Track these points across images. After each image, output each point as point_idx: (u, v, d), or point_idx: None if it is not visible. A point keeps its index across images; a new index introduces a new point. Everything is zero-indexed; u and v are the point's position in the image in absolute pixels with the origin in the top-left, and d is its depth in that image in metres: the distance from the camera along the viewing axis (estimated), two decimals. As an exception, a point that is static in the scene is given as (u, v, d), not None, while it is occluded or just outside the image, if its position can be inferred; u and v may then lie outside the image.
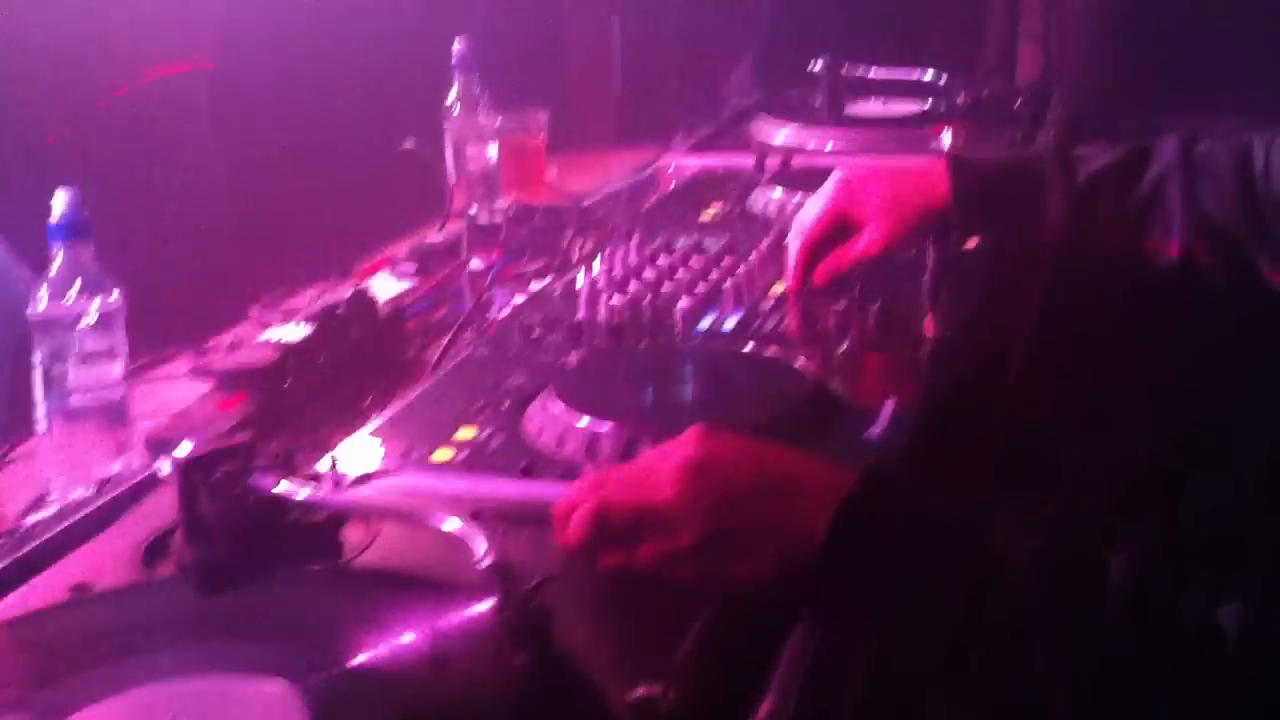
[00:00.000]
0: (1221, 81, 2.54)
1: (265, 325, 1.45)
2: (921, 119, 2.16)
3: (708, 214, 1.76)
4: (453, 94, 2.13)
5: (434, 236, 1.86)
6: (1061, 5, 2.68)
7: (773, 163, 1.96)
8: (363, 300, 1.47)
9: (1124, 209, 1.32)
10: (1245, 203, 1.29)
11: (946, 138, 2.03)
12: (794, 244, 1.38)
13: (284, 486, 0.87)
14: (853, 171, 1.37)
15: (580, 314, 1.33)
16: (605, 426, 1.01)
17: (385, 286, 1.72)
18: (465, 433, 1.06)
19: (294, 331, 1.37)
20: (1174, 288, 1.35)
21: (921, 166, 1.36)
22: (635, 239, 1.59)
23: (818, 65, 2.36)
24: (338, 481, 0.94)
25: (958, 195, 1.32)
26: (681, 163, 2.06)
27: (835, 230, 1.36)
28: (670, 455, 0.82)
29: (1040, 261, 1.40)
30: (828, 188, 1.37)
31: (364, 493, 0.95)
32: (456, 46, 2.11)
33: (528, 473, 0.98)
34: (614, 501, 0.81)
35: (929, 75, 2.32)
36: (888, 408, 1.06)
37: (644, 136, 2.71)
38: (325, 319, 1.39)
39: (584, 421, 1.02)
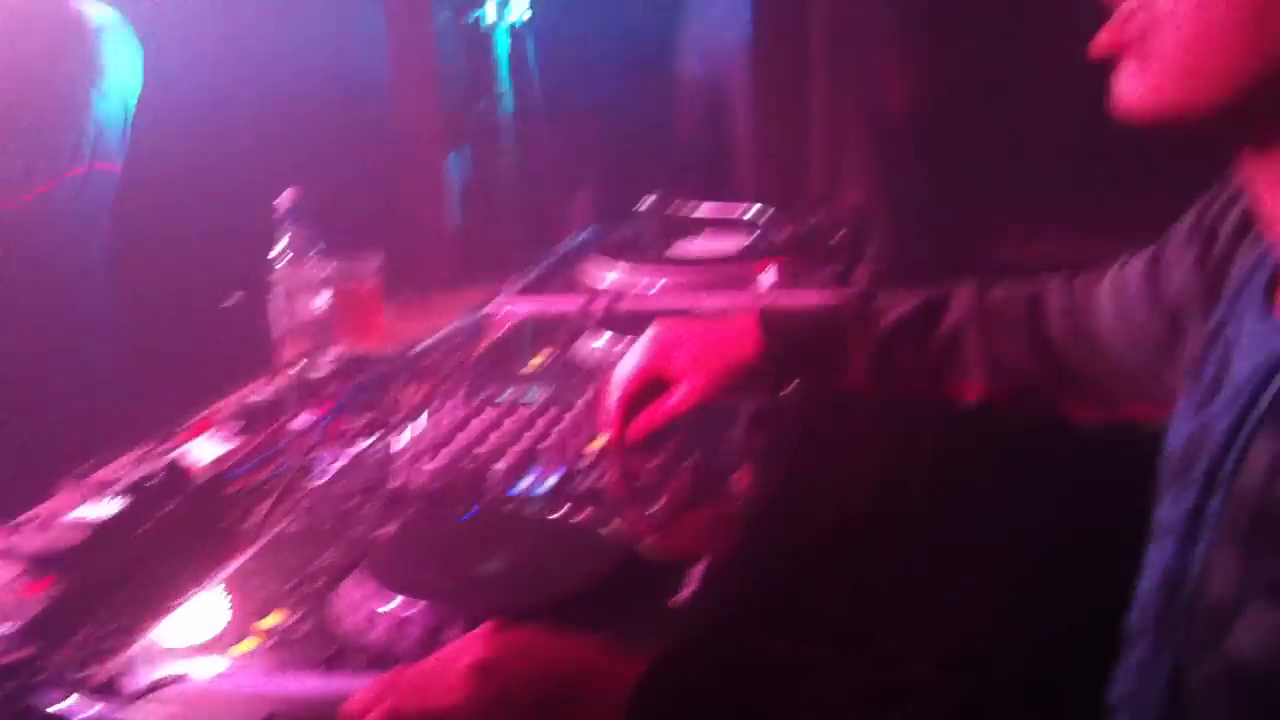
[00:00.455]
0: (1037, 203, 2.65)
1: (78, 499, 1.42)
2: (745, 256, 2.21)
3: (534, 362, 1.77)
4: (280, 245, 2.12)
5: (260, 393, 1.84)
6: (881, 134, 2.78)
7: (599, 306, 1.99)
8: (177, 470, 1.45)
9: (923, 356, 1.36)
10: (1038, 346, 1.34)
11: (767, 276, 2.08)
12: (611, 399, 1.39)
13: (70, 703, 0.84)
14: (667, 327, 1.40)
15: (397, 481, 1.33)
16: (411, 610, 1.00)
17: (207, 449, 1.70)
18: (273, 619, 1.05)
19: (106, 507, 1.34)
20: (978, 430, 1.39)
21: (733, 321, 1.39)
22: (459, 394, 1.60)
23: (646, 203, 2.42)
24: (129, 691, 0.91)
25: (767, 350, 1.35)
26: (511, 307, 2.08)
27: (651, 385, 1.37)
28: (460, 655, 0.82)
29: (850, 411, 1.43)
30: (642, 343, 1.39)
31: (151, 709, 0.92)
32: (284, 196, 2.11)
33: (332, 664, 0.97)
34: (402, 709, 0.80)
35: (753, 211, 2.38)
36: (696, 571, 1.07)
37: (482, 275, 2.74)
38: (138, 492, 1.37)
39: (391, 605, 1.01)
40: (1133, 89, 0.88)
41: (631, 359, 1.39)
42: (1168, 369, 1.15)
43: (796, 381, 1.41)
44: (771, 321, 1.38)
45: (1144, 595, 1.04)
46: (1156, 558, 1.02)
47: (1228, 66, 0.83)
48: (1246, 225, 1.01)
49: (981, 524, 2.15)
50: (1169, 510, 1.01)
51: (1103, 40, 0.88)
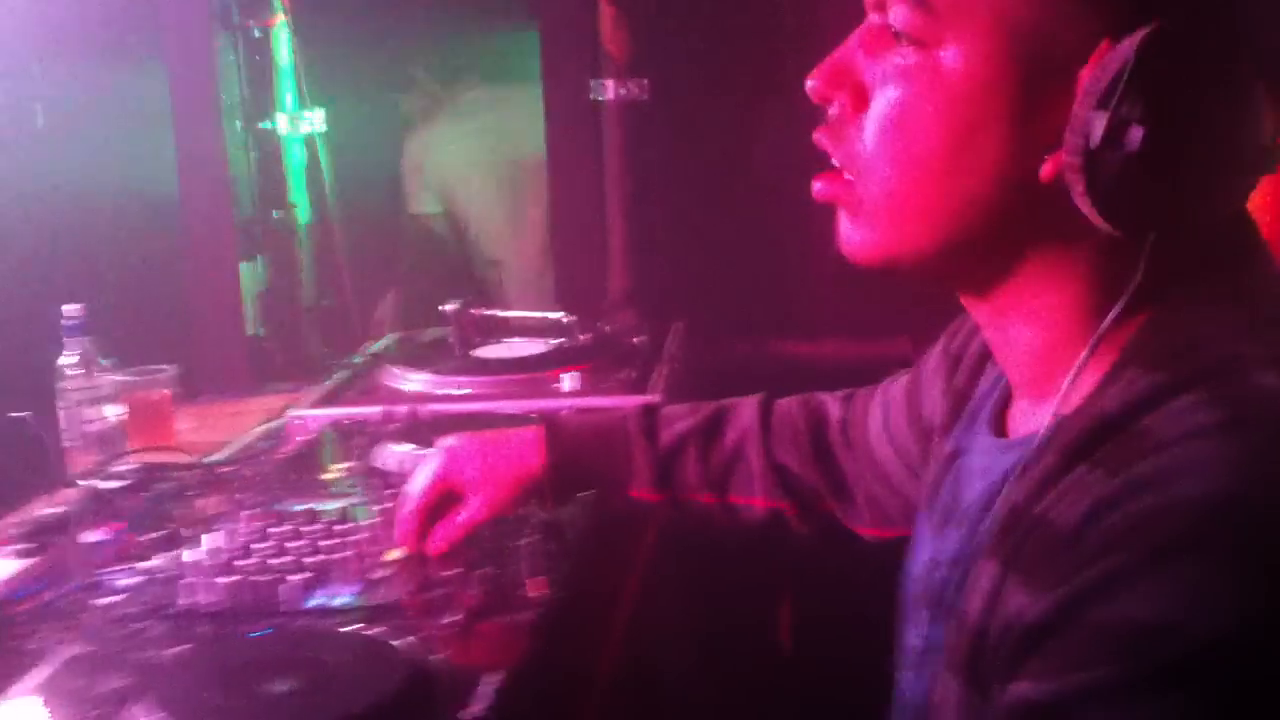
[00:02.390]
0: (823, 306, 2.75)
1: None
2: (545, 361, 2.25)
3: (331, 472, 1.77)
4: (65, 358, 2.09)
5: (45, 509, 1.80)
6: (673, 238, 2.86)
7: (399, 414, 2.00)
8: (-40, 592, 1.41)
9: (708, 468, 1.40)
10: (820, 458, 1.39)
11: (567, 380, 2.12)
12: (403, 512, 1.41)
13: None
14: (454, 441, 1.42)
15: (189, 598, 1.31)
16: (196, 735, 1.00)
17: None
18: (53, 750, 1.03)
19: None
20: (765, 540, 1.43)
21: (519, 434, 1.42)
22: (254, 505, 1.59)
23: (450, 306, 2.44)
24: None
25: (550, 463, 1.38)
26: (309, 415, 2.07)
27: (444, 497, 1.40)
28: None
29: (638, 524, 1.47)
30: (432, 457, 1.42)
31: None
32: (68, 310, 2.07)
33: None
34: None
35: (554, 317, 2.42)
36: (481, 687, 1.09)
37: (280, 384, 2.72)
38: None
39: (175, 730, 1.00)
40: (850, 239, 0.93)
41: (422, 474, 1.41)
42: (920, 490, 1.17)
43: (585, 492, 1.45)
44: (556, 433, 1.41)
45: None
46: (900, 687, 1.05)
47: (926, 216, 0.88)
48: (987, 351, 1.05)
49: (759, 635, 2.21)
50: (909, 638, 1.04)
51: (819, 192, 0.94)
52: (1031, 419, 0.93)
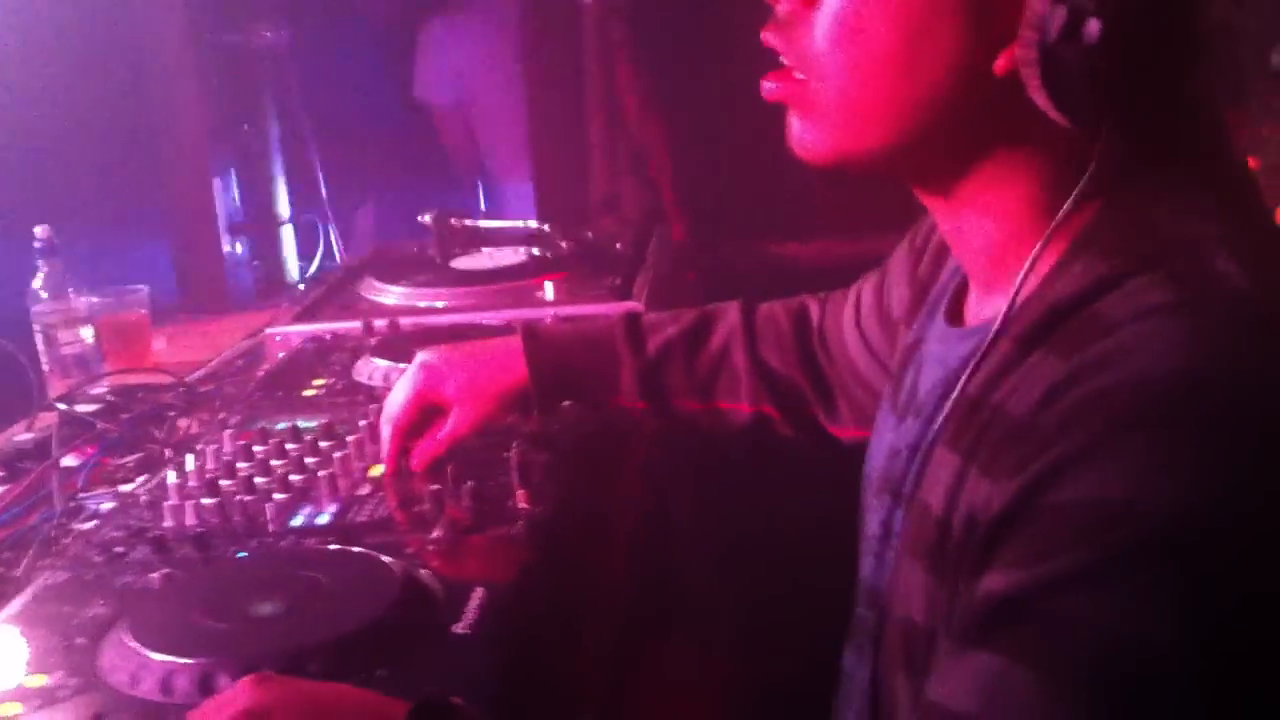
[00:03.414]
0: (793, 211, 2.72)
1: None
2: (525, 271, 2.21)
3: (311, 389, 1.74)
4: (38, 280, 2.05)
5: (23, 434, 1.77)
6: (658, 142, 2.81)
7: (380, 328, 1.97)
8: (-62, 519, 1.39)
9: (693, 373, 1.38)
10: (804, 360, 1.38)
11: (549, 289, 2.09)
12: (385, 430, 1.38)
13: None
14: (433, 355, 1.39)
15: (169, 521, 1.29)
16: (183, 660, 0.97)
17: (-32, 496, 1.62)
18: (36, 680, 1.00)
19: None
20: (752, 442, 1.41)
21: (500, 344, 1.39)
22: (234, 424, 1.56)
23: (428, 217, 2.40)
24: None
25: (533, 373, 1.35)
26: (288, 331, 2.04)
27: (424, 413, 1.37)
28: (224, 707, 0.81)
29: (625, 427, 1.44)
30: (410, 373, 1.38)
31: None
32: (38, 232, 2.03)
33: (100, 720, 0.94)
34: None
35: (532, 226, 2.38)
36: (475, 599, 1.07)
37: (259, 296, 2.68)
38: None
39: (161, 655, 0.98)
40: (802, 139, 0.92)
41: (400, 390, 1.38)
42: None
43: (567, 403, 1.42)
44: (537, 343, 1.38)
45: (856, 608, 1.07)
46: (862, 571, 1.05)
47: (881, 113, 0.87)
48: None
49: (744, 533, 2.21)
50: (869, 525, 1.04)
51: (770, 92, 0.92)
52: (987, 307, 0.93)
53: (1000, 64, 0.82)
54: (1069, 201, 0.83)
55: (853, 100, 0.87)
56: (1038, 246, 0.84)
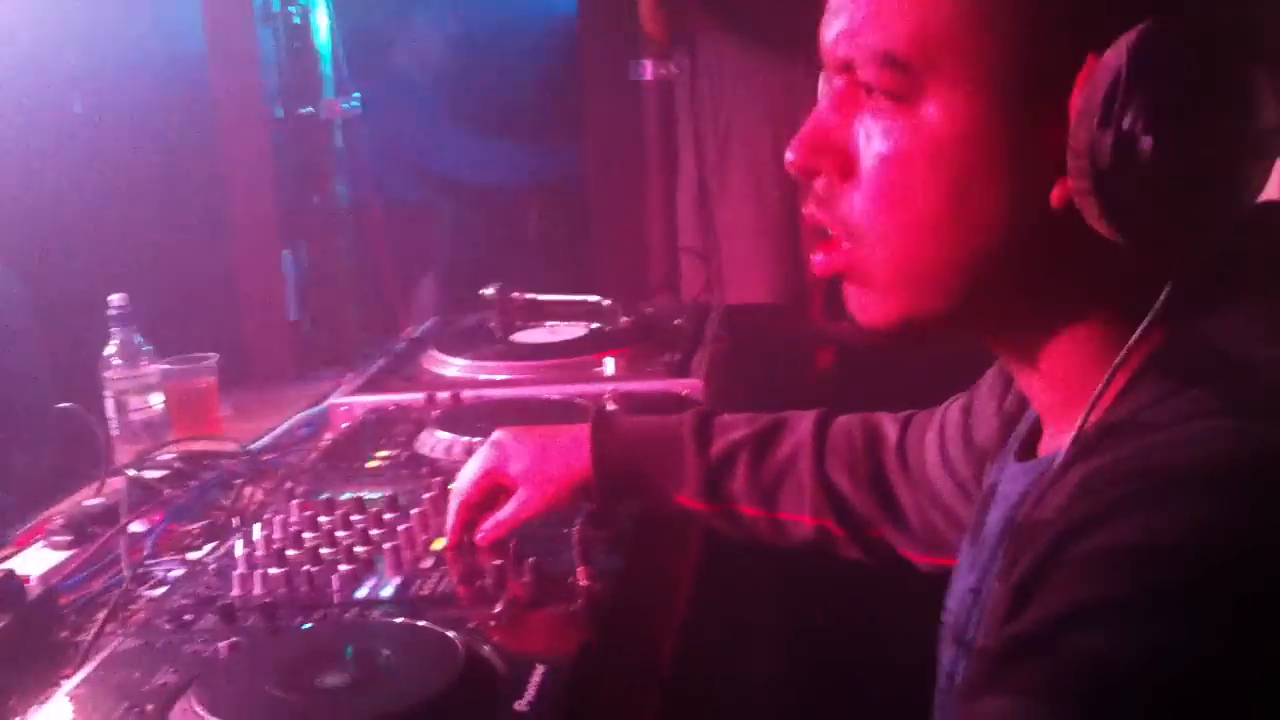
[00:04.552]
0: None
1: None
2: (585, 346, 2.24)
3: (375, 460, 1.76)
4: (110, 347, 2.09)
5: (92, 499, 1.80)
6: (716, 219, 2.84)
7: (441, 400, 1.99)
8: (11, 583, 1.41)
9: (758, 480, 1.35)
10: (875, 481, 1.33)
11: (608, 365, 2.11)
12: (452, 505, 1.40)
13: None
14: (505, 436, 1.41)
15: (236, 590, 1.31)
16: (250, 729, 0.99)
17: (39, 559, 1.65)
18: (105, 744, 1.03)
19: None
20: (819, 553, 1.38)
21: (569, 433, 1.39)
22: (299, 494, 1.58)
23: (490, 290, 2.43)
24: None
25: (597, 468, 1.35)
26: (351, 401, 2.07)
27: (492, 492, 1.39)
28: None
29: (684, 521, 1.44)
30: (481, 453, 1.41)
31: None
32: (113, 300, 2.08)
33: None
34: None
35: (593, 301, 2.40)
36: (536, 676, 1.08)
37: (322, 370, 2.72)
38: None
39: (228, 725, 1.00)
40: (861, 310, 0.89)
41: (471, 466, 1.41)
42: None
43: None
44: (605, 435, 1.37)
45: None
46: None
47: (937, 273, 0.84)
48: None
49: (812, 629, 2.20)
50: (941, 673, 0.99)
51: (819, 264, 0.90)
52: (1054, 444, 0.90)
53: (1055, 197, 0.79)
54: (1137, 331, 0.80)
55: (906, 266, 0.85)
56: (1106, 380, 0.81)
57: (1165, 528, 0.66)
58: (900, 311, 0.87)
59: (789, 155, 0.88)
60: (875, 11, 0.82)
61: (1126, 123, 0.74)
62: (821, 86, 0.89)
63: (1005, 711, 0.66)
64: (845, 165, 0.86)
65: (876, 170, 0.83)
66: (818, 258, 0.89)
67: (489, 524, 1.38)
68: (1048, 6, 0.78)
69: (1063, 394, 0.88)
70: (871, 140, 0.84)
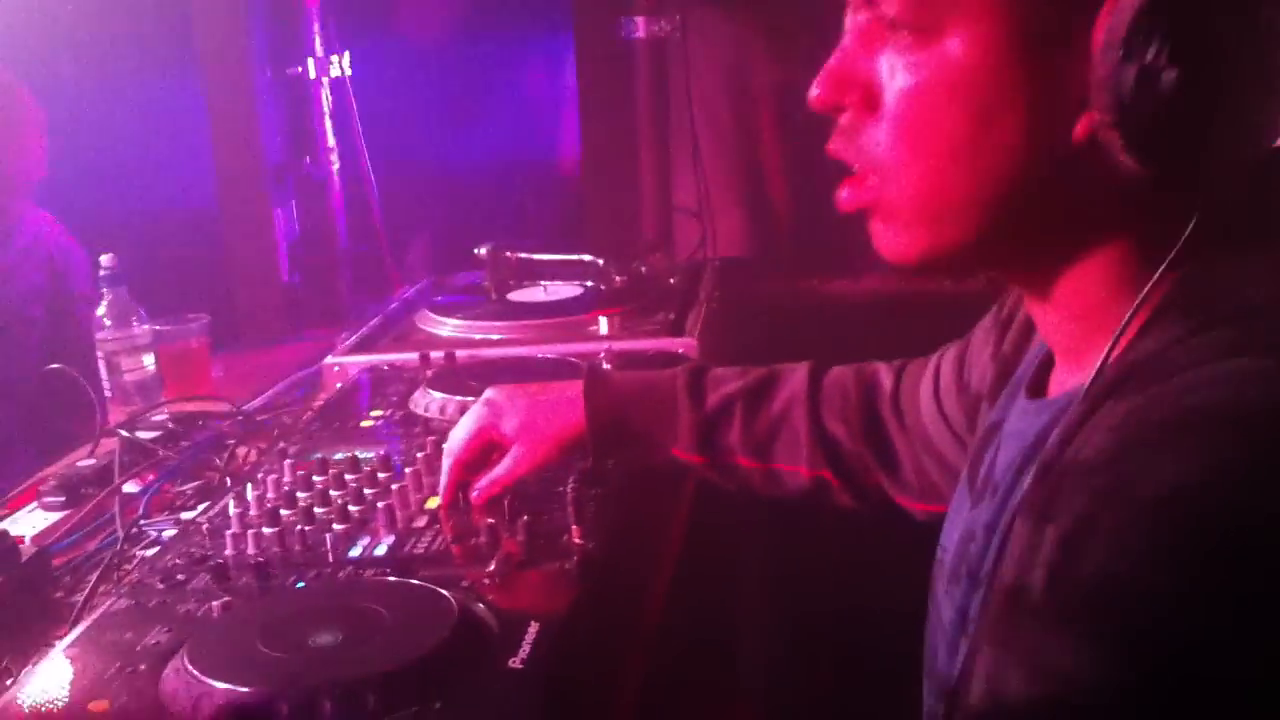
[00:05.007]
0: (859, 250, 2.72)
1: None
2: (579, 305, 2.23)
3: (368, 420, 1.76)
4: (102, 307, 2.08)
5: (85, 460, 1.80)
6: (708, 178, 2.82)
7: (436, 359, 1.99)
8: (4, 543, 1.41)
9: (752, 432, 1.36)
10: (869, 429, 1.35)
11: (603, 324, 2.10)
12: (445, 464, 1.40)
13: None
14: (497, 395, 1.41)
15: (227, 551, 1.31)
16: (239, 692, 0.99)
17: (33, 521, 1.65)
18: (97, 704, 1.02)
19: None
20: (814, 502, 1.39)
21: (562, 390, 1.40)
22: (292, 454, 1.58)
23: (483, 250, 2.42)
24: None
25: (591, 423, 1.36)
26: (345, 362, 2.06)
27: (485, 450, 1.40)
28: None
29: (681, 471, 1.44)
30: (474, 411, 1.41)
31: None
32: (103, 260, 2.07)
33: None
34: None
35: (587, 260, 2.40)
36: (530, 633, 1.08)
37: (315, 330, 2.71)
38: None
39: (219, 685, 1.00)
40: (885, 244, 0.89)
41: (464, 425, 1.41)
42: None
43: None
44: (598, 390, 1.38)
45: (926, 696, 1.03)
46: (933, 662, 1.02)
47: (961, 208, 0.85)
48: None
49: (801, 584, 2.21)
50: (943, 611, 1.00)
51: (844, 200, 0.90)
52: (1071, 379, 0.90)
53: (1078, 132, 0.80)
54: (1162, 267, 0.80)
55: (930, 198, 0.85)
56: (1128, 315, 0.81)
57: (1201, 477, 0.66)
58: (924, 245, 0.87)
59: (813, 90, 0.88)
60: None
61: (1150, 55, 0.74)
62: (846, 21, 0.89)
63: (1070, 654, 0.67)
64: (870, 99, 0.86)
65: (900, 103, 0.84)
66: (842, 194, 0.90)
67: (484, 481, 1.38)
68: None
69: (1082, 327, 0.88)
70: (895, 74, 0.84)
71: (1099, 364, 0.81)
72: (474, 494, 1.38)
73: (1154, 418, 0.71)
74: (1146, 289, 0.80)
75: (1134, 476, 0.69)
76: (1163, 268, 0.80)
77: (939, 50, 0.82)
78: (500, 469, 1.38)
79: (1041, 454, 0.82)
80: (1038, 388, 0.97)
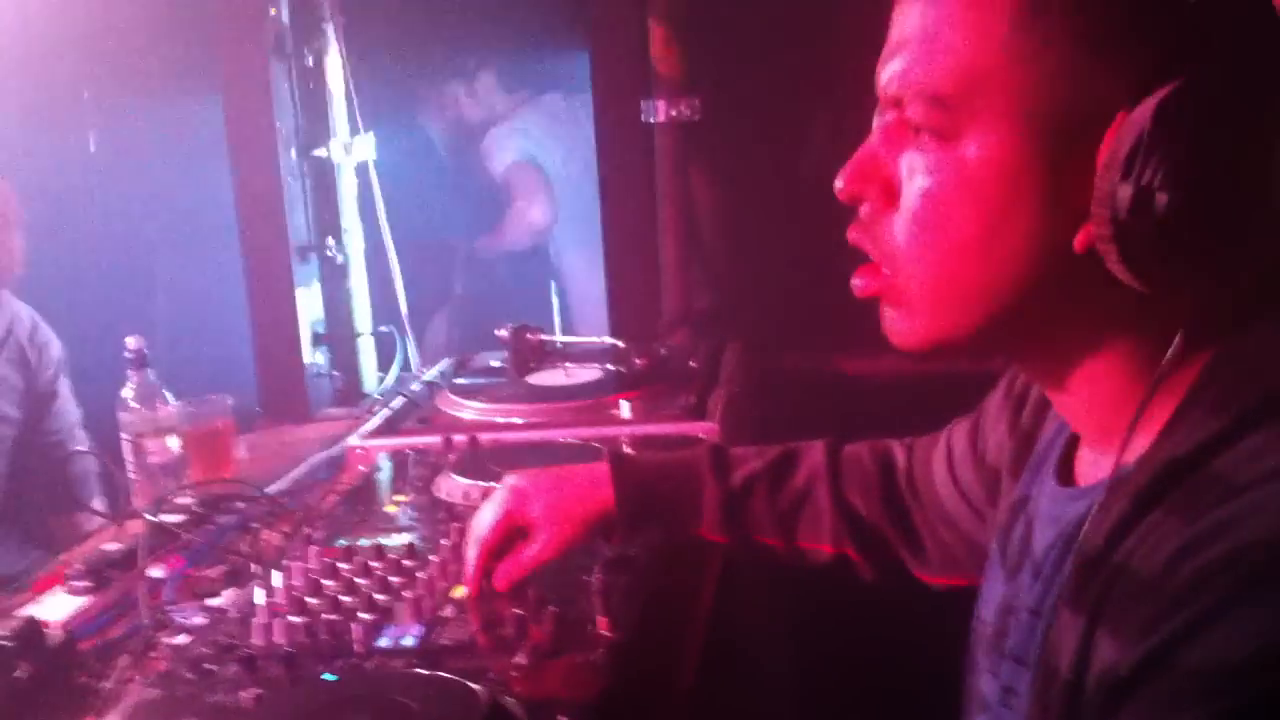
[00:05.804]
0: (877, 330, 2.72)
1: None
2: (601, 388, 2.24)
3: (393, 505, 1.77)
4: (128, 389, 2.10)
5: (110, 543, 1.80)
6: (727, 257, 2.84)
7: (459, 443, 1.99)
8: (31, 630, 1.41)
9: (776, 507, 1.40)
10: (889, 502, 1.39)
11: (624, 408, 2.11)
12: (471, 551, 1.41)
13: None
14: (522, 479, 1.42)
15: (255, 640, 1.31)
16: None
17: (59, 605, 1.65)
18: (129, 797, 1.03)
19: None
20: (834, 581, 1.42)
21: (587, 471, 1.42)
22: (316, 544, 1.58)
23: (504, 331, 2.44)
24: None
25: (619, 500, 1.38)
26: (368, 445, 2.07)
27: (510, 535, 1.40)
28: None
29: (705, 557, 1.46)
30: (498, 495, 1.42)
31: None
32: (129, 343, 2.09)
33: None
34: None
35: (608, 343, 2.41)
36: (561, 722, 1.09)
37: (338, 404, 2.73)
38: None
39: (253, 778, 1.00)
40: (894, 330, 0.95)
41: (488, 511, 1.41)
42: (989, 534, 1.17)
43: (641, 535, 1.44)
44: (624, 471, 1.40)
45: None
46: None
47: (967, 301, 0.90)
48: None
49: (827, 666, 2.20)
50: (984, 684, 1.04)
51: (860, 289, 0.96)
52: (1098, 467, 0.94)
53: (1079, 241, 0.85)
54: (1164, 362, 0.85)
55: (938, 291, 0.91)
56: (1139, 406, 0.86)
57: (1268, 636, 0.69)
58: (932, 333, 0.93)
59: (838, 182, 0.94)
60: (926, 56, 0.88)
61: (1146, 178, 0.79)
62: (875, 121, 0.95)
63: None
64: (889, 193, 0.92)
65: (917, 200, 0.90)
66: (857, 281, 0.96)
67: (510, 565, 1.38)
68: (1084, 63, 0.83)
69: (1100, 419, 0.93)
70: (914, 173, 0.90)
71: (1118, 454, 0.87)
72: (500, 578, 1.39)
73: (1224, 571, 0.73)
74: (1155, 380, 0.86)
75: (1202, 629, 0.72)
76: (1165, 363, 0.85)
77: (957, 155, 0.87)
78: (528, 553, 1.38)
79: (1081, 543, 0.87)
80: (1065, 471, 1.01)
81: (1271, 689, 0.68)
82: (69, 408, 2.42)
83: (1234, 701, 0.69)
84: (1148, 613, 0.76)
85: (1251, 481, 0.76)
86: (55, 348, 2.46)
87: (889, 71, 0.91)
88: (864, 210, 0.94)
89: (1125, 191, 0.80)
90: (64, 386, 2.37)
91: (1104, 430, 0.92)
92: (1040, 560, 0.97)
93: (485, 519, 1.41)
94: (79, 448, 2.01)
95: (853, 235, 0.95)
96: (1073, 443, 1.01)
